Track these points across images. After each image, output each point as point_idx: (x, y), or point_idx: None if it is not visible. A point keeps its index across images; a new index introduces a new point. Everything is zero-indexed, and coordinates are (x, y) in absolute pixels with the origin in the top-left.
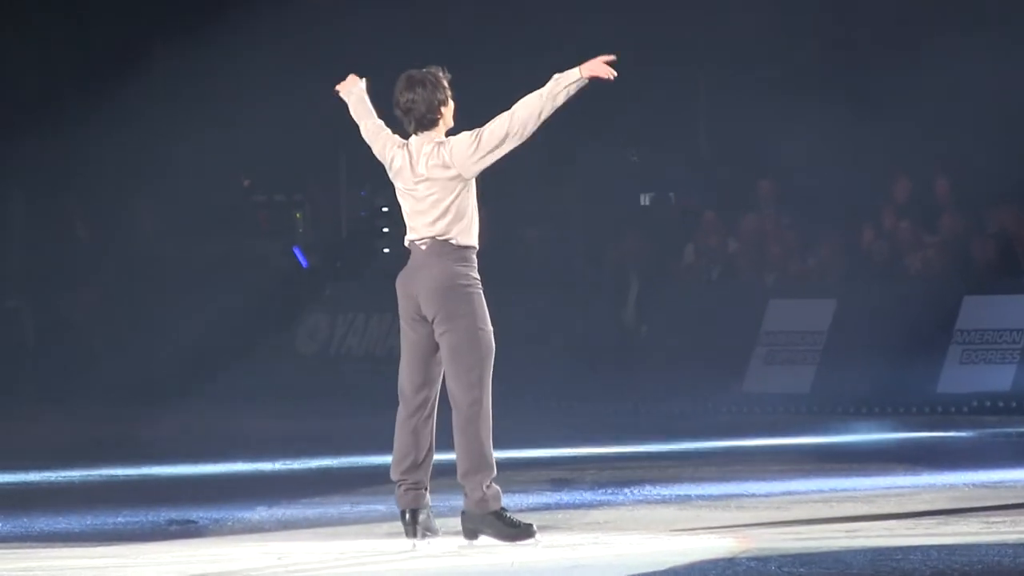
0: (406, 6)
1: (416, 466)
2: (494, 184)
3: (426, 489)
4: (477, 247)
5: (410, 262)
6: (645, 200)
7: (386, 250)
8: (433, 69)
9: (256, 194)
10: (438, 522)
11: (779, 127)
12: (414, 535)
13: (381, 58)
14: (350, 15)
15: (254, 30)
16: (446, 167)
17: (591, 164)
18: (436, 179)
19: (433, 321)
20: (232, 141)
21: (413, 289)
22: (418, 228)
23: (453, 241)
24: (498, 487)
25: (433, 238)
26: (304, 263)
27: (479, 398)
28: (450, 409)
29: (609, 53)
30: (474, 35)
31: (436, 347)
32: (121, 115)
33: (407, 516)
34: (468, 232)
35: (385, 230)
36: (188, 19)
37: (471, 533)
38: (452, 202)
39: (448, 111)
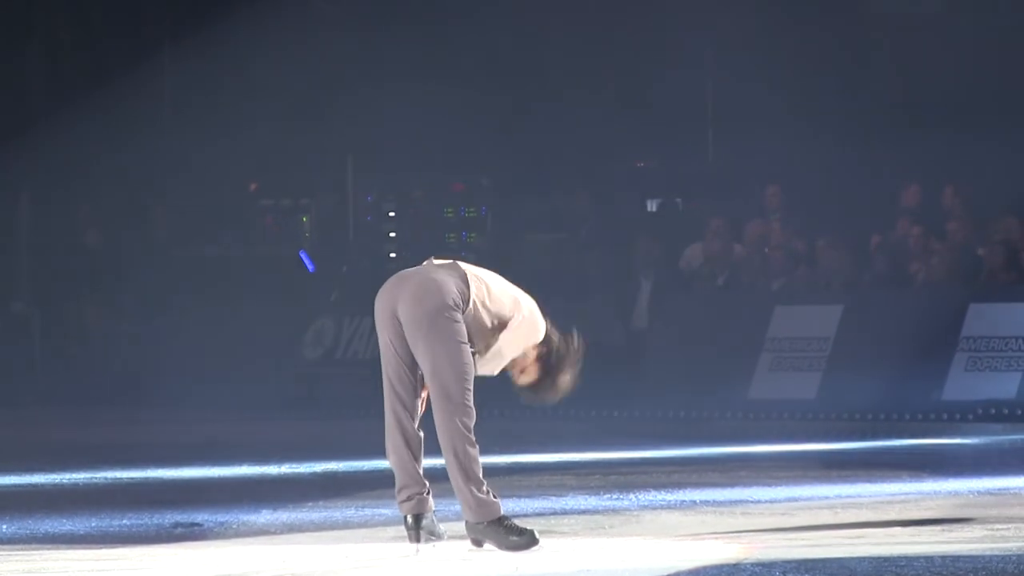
0: (413, 14)
1: (411, 478)
2: (502, 189)
3: (428, 493)
4: (464, 308)
5: (402, 271)
6: (652, 206)
7: (392, 255)
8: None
9: (263, 198)
10: (445, 526)
11: (786, 133)
12: (417, 540)
13: (388, 64)
14: (357, 21)
15: (262, 34)
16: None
17: (598, 170)
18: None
19: (417, 325)
20: (239, 145)
21: (396, 291)
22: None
23: (467, 274)
24: (494, 496)
25: (450, 260)
26: (311, 267)
27: (459, 414)
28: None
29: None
30: (478, 37)
31: (409, 357)
32: (129, 119)
33: (409, 521)
34: (476, 296)
35: (392, 235)
36: (197, 23)
37: (476, 541)
38: (500, 291)
39: (530, 358)
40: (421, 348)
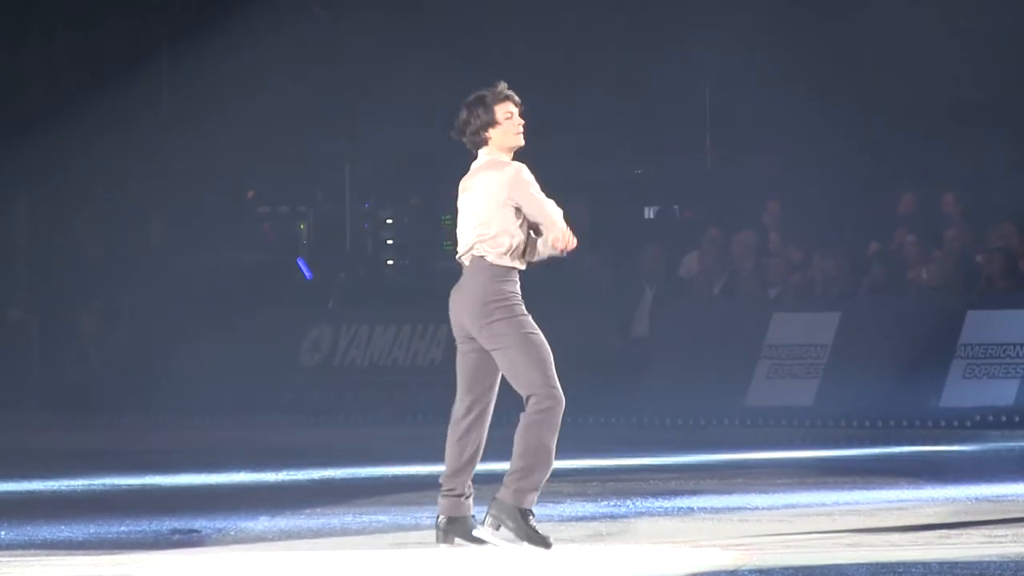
0: (411, 21)
1: (454, 474)
2: None
3: (464, 496)
4: (516, 267)
5: (460, 279)
6: (649, 213)
7: (390, 262)
8: (488, 90)
9: (260, 205)
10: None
11: (785, 140)
12: (442, 541)
13: (385, 70)
14: (355, 28)
15: (260, 41)
16: (490, 187)
17: (595, 176)
18: (477, 193)
19: (481, 340)
20: (237, 151)
21: (457, 308)
22: (460, 241)
23: (488, 258)
24: (536, 491)
25: (471, 253)
26: (308, 275)
27: (544, 401)
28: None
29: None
30: (474, 42)
31: (480, 362)
32: (126, 124)
33: (441, 520)
34: (501, 252)
35: (389, 242)
36: (194, 29)
37: (495, 521)
38: (487, 219)
39: (496, 131)
40: (497, 356)
